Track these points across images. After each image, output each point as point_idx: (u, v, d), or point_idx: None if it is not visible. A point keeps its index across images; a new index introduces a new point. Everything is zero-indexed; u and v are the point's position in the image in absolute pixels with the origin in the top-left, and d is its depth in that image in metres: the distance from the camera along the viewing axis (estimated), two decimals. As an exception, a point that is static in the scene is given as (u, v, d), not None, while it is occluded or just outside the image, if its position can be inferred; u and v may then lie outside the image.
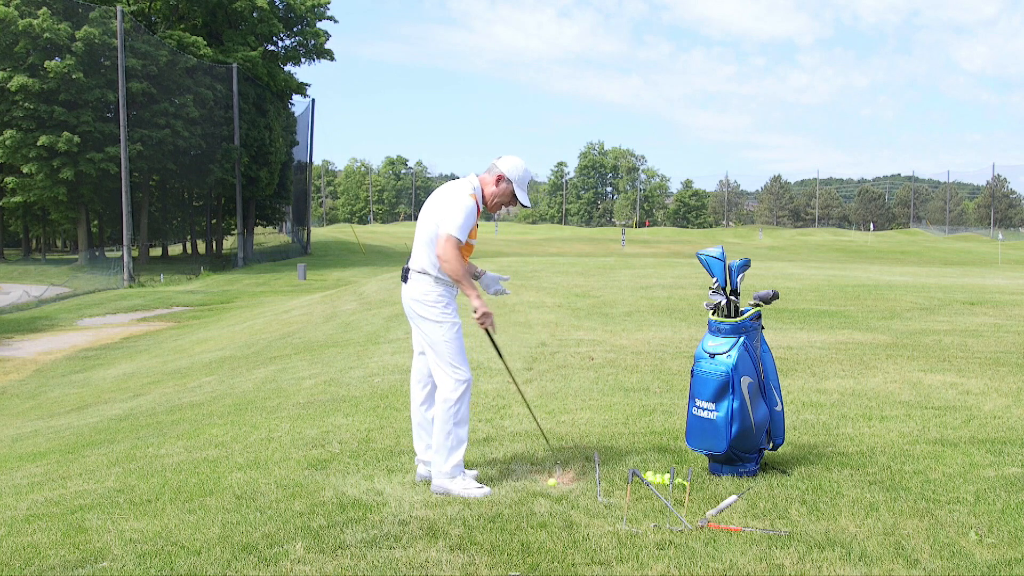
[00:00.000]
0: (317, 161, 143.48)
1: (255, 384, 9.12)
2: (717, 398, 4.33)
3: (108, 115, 44.71)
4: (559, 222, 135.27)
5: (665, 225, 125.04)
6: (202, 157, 48.89)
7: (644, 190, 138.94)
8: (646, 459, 4.73)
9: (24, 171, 42.72)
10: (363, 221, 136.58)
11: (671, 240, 76.14)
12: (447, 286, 4.35)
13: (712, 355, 4.39)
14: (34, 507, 4.70)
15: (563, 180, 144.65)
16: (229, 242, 61.31)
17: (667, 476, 4.26)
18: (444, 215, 4.27)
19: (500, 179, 4.43)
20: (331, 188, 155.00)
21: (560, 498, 4.11)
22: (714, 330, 4.46)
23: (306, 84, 60.67)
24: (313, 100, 65.48)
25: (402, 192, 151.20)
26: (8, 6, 41.23)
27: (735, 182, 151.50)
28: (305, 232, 65.43)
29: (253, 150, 52.24)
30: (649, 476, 4.28)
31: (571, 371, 7.72)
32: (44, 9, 41.46)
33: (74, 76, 41.42)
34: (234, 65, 49.03)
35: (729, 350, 4.35)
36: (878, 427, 5.41)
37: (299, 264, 40.00)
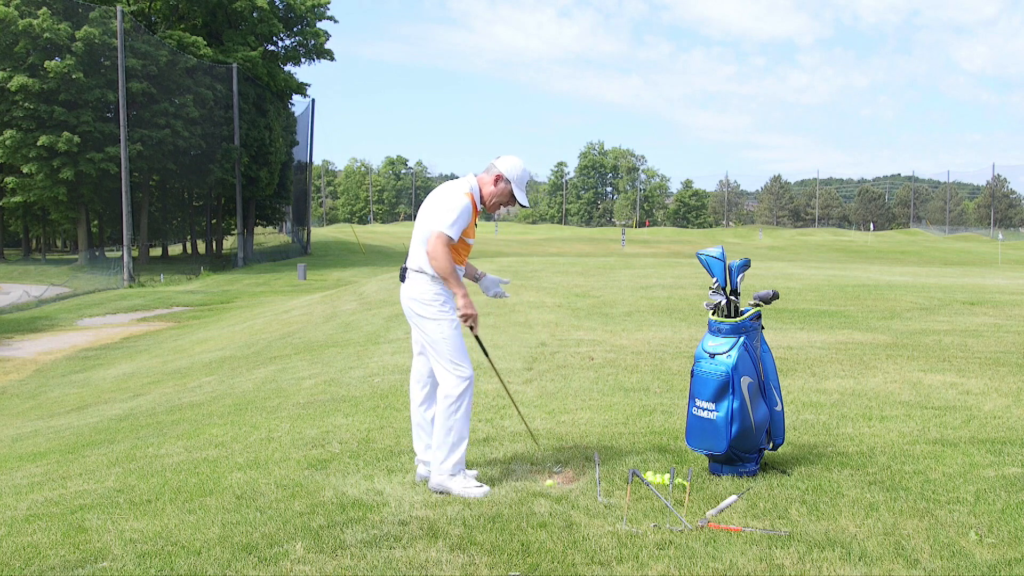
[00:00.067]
0: (317, 161, 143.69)
1: (255, 384, 9.12)
2: (717, 398, 4.33)
3: (108, 115, 44.72)
4: (559, 222, 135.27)
5: (665, 225, 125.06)
6: (202, 157, 48.90)
7: (644, 190, 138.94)
8: (646, 459, 4.73)
9: (24, 171, 42.73)
10: (363, 221, 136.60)
11: (671, 240, 76.15)
12: (445, 284, 4.35)
13: (712, 355, 4.39)
14: (34, 507, 4.70)
15: (563, 180, 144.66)
16: (229, 242, 61.31)
17: (667, 476, 4.26)
18: (437, 213, 4.28)
19: (499, 179, 4.43)
20: (331, 188, 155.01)
21: (560, 498, 4.11)
22: (714, 330, 4.46)
23: (306, 84, 60.74)
24: (313, 100, 65.57)
25: (402, 192, 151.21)
26: (8, 6, 41.24)
27: (735, 182, 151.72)
28: (305, 232, 65.44)
29: (253, 150, 52.25)
30: (649, 476, 4.28)
31: (571, 371, 7.72)
32: (44, 9, 41.47)
33: (74, 76, 41.42)
34: (234, 65, 49.04)
35: (729, 350, 4.35)
36: (878, 427, 5.41)
37: (299, 264, 40.01)
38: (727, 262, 4.48)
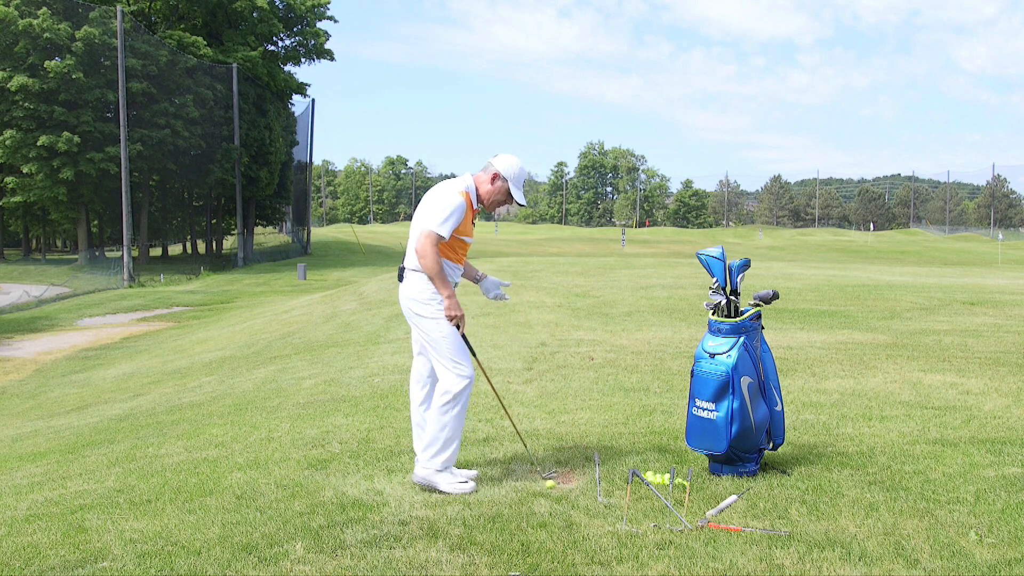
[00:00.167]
0: (317, 161, 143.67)
1: (255, 384, 9.12)
2: (717, 398, 4.34)
3: (108, 115, 44.73)
4: (559, 222, 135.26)
5: (665, 225, 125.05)
6: (202, 157, 48.90)
7: (644, 190, 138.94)
8: (646, 459, 4.73)
9: (24, 171, 42.74)
10: (363, 221, 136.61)
11: (671, 240, 76.16)
12: (432, 283, 4.33)
13: (712, 355, 4.39)
14: (34, 507, 4.70)
15: (563, 180, 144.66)
16: (229, 242, 61.31)
17: (667, 476, 4.26)
18: (430, 212, 4.29)
19: (495, 177, 4.43)
20: (331, 188, 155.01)
21: (560, 498, 4.11)
22: (714, 330, 4.46)
23: (306, 84, 60.74)
24: (313, 100, 65.57)
25: (402, 192, 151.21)
26: (8, 6, 41.25)
27: (735, 182, 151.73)
28: (305, 232, 65.44)
29: (253, 150, 52.25)
30: (649, 476, 4.28)
31: (571, 371, 7.72)
32: (44, 9, 41.48)
33: (74, 76, 41.43)
34: (234, 65, 49.04)
35: (729, 350, 4.36)
36: (878, 427, 5.41)
37: (299, 264, 40.02)
38: (727, 262, 4.48)
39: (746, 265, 4.54)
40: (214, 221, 61.30)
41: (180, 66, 45.58)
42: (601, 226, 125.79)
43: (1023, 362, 7.92)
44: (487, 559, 3.43)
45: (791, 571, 3.26)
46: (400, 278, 4.44)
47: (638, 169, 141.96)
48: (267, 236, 67.81)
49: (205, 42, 48.14)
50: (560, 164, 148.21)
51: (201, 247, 63.94)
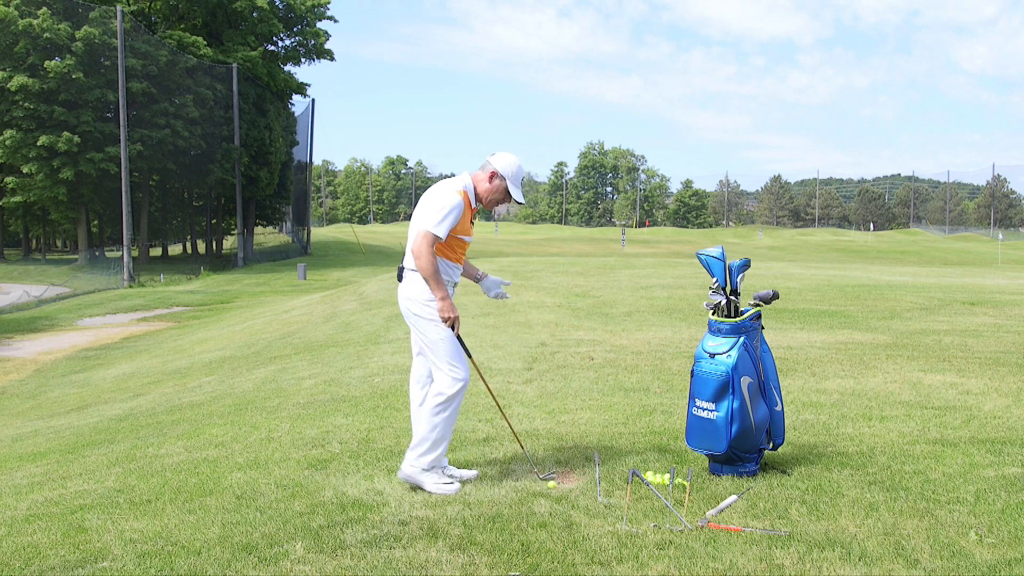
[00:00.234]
0: (317, 161, 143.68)
1: (255, 384, 9.12)
2: (717, 398, 4.34)
3: (108, 115, 44.74)
4: (559, 222, 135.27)
5: (665, 225, 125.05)
6: (202, 157, 48.90)
7: (644, 190, 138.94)
8: (646, 459, 4.73)
9: (24, 171, 42.74)
10: (363, 221, 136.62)
11: (671, 240, 76.16)
12: (426, 284, 4.32)
13: (712, 355, 4.39)
14: (34, 507, 4.70)
15: (563, 180, 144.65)
16: (229, 242, 61.32)
17: (667, 476, 4.26)
18: (427, 212, 4.28)
19: (493, 176, 4.43)
20: (331, 188, 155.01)
21: (560, 498, 4.11)
22: (714, 330, 4.46)
23: (306, 84, 60.74)
24: (313, 100, 65.58)
25: (402, 192, 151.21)
26: (8, 6, 41.26)
27: (735, 182, 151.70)
28: (305, 232, 65.45)
29: (253, 150, 52.26)
30: (649, 476, 4.28)
31: (571, 371, 7.72)
32: (44, 9, 41.49)
33: (74, 76, 41.44)
34: (234, 65, 49.04)
35: (729, 350, 4.36)
36: (878, 427, 5.41)
37: (299, 264, 40.02)
38: (727, 262, 4.48)
39: (746, 265, 4.54)
40: (214, 221, 61.30)
41: (180, 66, 45.58)
42: (601, 226, 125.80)
43: (1023, 362, 7.92)
44: (487, 559, 3.43)
45: (791, 571, 3.26)
46: (399, 278, 4.43)
47: (638, 169, 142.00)
48: (267, 236, 67.82)
49: (205, 42, 48.15)
50: (560, 164, 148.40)
51: (201, 247, 63.95)
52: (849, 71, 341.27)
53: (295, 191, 66.23)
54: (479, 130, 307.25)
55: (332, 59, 60.37)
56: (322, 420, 6.21)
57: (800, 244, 73.76)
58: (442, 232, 4.22)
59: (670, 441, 5.11)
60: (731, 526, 3.67)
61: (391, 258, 50.10)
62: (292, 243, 65.89)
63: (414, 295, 4.34)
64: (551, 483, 4.33)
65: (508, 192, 4.45)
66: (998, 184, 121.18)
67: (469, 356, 4.60)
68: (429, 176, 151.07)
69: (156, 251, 58.33)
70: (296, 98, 63.40)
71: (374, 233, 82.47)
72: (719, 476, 4.40)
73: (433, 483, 4.28)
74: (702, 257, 4.53)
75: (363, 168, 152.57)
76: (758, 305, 4.54)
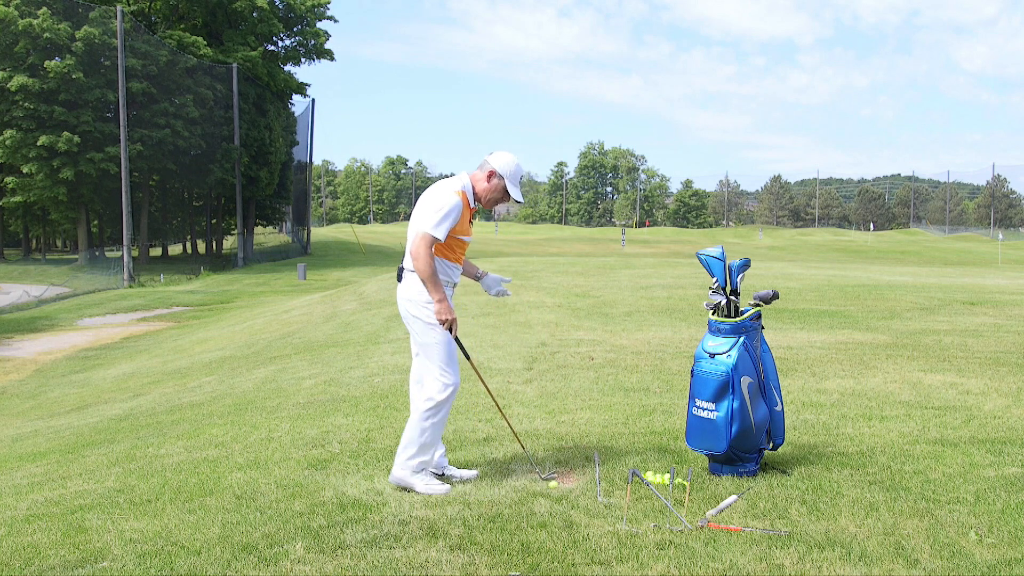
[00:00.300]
0: (317, 161, 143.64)
1: (255, 384, 9.12)
2: (717, 398, 4.34)
3: (108, 115, 44.74)
4: (559, 222, 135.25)
5: (665, 225, 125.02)
6: (202, 157, 48.90)
7: (644, 190, 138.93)
8: (646, 459, 4.73)
9: (24, 171, 42.75)
10: (363, 221, 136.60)
11: (671, 240, 76.16)
12: (424, 286, 4.32)
13: (712, 355, 4.39)
14: (34, 507, 4.70)
15: (563, 180, 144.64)
16: (229, 242, 61.32)
17: (667, 476, 4.26)
18: (426, 213, 4.27)
19: (492, 175, 4.42)
20: (331, 188, 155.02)
21: (560, 498, 4.11)
22: (714, 330, 4.46)
23: (306, 84, 60.75)
24: (313, 100, 65.57)
25: (402, 192, 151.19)
26: (8, 6, 41.26)
27: (735, 182, 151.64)
28: (305, 232, 65.45)
29: (253, 150, 52.26)
30: (649, 476, 4.28)
31: (571, 371, 7.72)
32: (44, 9, 41.49)
33: (74, 76, 41.44)
34: (234, 65, 49.04)
35: (729, 350, 4.36)
36: (878, 427, 5.41)
37: (299, 264, 40.02)
38: (727, 262, 4.48)
39: (746, 265, 4.54)
40: (214, 221, 61.31)
41: (180, 66, 45.58)
42: (601, 226, 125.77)
43: (1023, 362, 7.92)
44: (487, 559, 3.43)
45: (791, 571, 3.26)
46: (399, 278, 4.43)
47: (638, 169, 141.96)
48: (267, 236, 67.82)
49: (205, 42, 48.14)
50: (560, 164, 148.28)
51: (201, 247, 63.95)
52: (849, 71, 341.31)
53: (295, 191, 66.24)
54: (479, 130, 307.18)
55: (332, 59, 60.40)
56: (322, 420, 6.21)
57: (800, 244, 73.76)
58: (441, 234, 4.21)
59: (670, 441, 5.11)
60: (731, 526, 3.67)
61: (391, 258, 50.10)
62: (292, 243, 65.90)
63: (413, 296, 4.34)
64: (552, 483, 4.33)
65: (507, 191, 4.44)
66: (998, 184, 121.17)
67: (468, 358, 4.60)
68: (429, 176, 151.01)
69: (156, 251, 58.33)
70: (296, 98, 63.50)
71: (374, 233, 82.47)
72: (719, 476, 4.40)
73: (424, 484, 4.29)
74: (702, 257, 4.53)
75: (363, 168, 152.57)
76: (758, 305, 4.54)
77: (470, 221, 4.47)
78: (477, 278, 4.72)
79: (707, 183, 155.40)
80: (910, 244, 74.65)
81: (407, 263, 4.38)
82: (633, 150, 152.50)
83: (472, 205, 4.44)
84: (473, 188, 4.43)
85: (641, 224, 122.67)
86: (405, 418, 5.71)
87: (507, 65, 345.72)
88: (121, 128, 39.54)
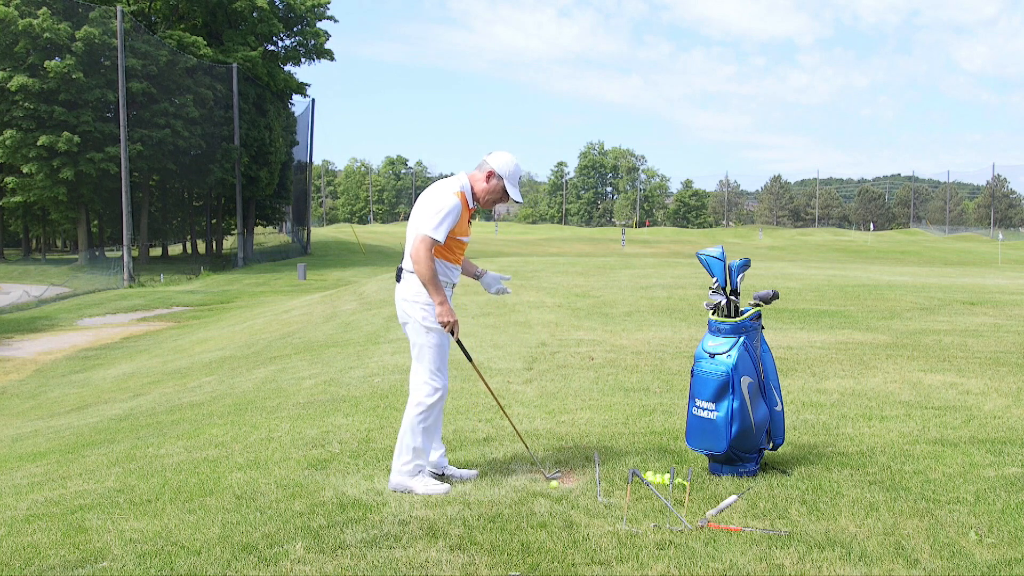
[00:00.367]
0: (317, 161, 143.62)
1: (255, 384, 9.12)
2: (717, 398, 4.34)
3: (108, 115, 44.73)
4: (559, 222, 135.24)
5: (665, 225, 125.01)
6: (202, 157, 48.90)
7: (644, 190, 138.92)
8: (646, 459, 4.73)
9: (24, 171, 42.74)
10: (363, 221, 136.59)
11: (671, 240, 76.16)
12: (425, 288, 4.31)
13: (712, 355, 4.39)
14: (34, 507, 4.70)
15: (563, 180, 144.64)
16: (229, 242, 61.32)
17: (667, 476, 4.26)
18: (425, 215, 4.26)
19: (491, 175, 4.41)
20: (331, 188, 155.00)
21: (560, 498, 4.11)
22: (714, 330, 4.46)
23: (306, 84, 60.75)
24: (313, 100, 65.58)
25: (402, 192, 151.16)
26: (8, 6, 41.25)
27: (735, 182, 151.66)
28: (305, 232, 65.45)
29: (253, 150, 52.26)
30: (649, 476, 4.28)
31: (571, 371, 7.72)
32: (44, 9, 41.48)
33: (74, 76, 41.43)
34: (234, 65, 49.04)
35: (729, 350, 4.36)
36: (878, 427, 5.41)
37: (299, 264, 40.01)
38: (727, 262, 4.48)
39: (746, 265, 4.54)
40: (214, 221, 61.30)
41: (180, 66, 45.58)
42: (601, 226, 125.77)
43: (1023, 362, 7.92)
44: (487, 559, 3.43)
45: (791, 571, 3.26)
46: (398, 278, 4.42)
47: (638, 169, 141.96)
48: (267, 236, 67.83)
49: (205, 42, 48.13)
50: (560, 164, 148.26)
51: (201, 247, 63.94)
52: (849, 71, 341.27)
53: (295, 191, 66.24)
54: (479, 130, 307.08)
55: (332, 59, 60.39)
56: (322, 420, 6.21)
57: (800, 244, 73.75)
58: (440, 236, 4.20)
59: (670, 441, 5.11)
60: (731, 526, 3.67)
61: (391, 258, 50.10)
62: (292, 243, 65.90)
63: (411, 296, 4.34)
64: (553, 483, 4.33)
65: (506, 192, 4.43)
66: (998, 184, 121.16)
67: (470, 359, 4.60)
68: (429, 176, 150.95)
69: (156, 251, 58.33)
70: (296, 98, 63.50)
71: (374, 233, 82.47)
72: (719, 476, 4.40)
73: (423, 485, 4.30)
74: (702, 257, 4.53)
75: (363, 168, 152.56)
76: (758, 305, 4.54)
77: (469, 222, 4.46)
78: (476, 277, 4.71)
79: (707, 183, 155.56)
80: (910, 244, 74.64)
81: (406, 264, 4.37)
82: (633, 150, 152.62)
83: (471, 206, 4.43)
84: (472, 188, 4.42)
85: (641, 224, 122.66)
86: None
87: (507, 65, 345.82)
88: (121, 128, 39.53)
